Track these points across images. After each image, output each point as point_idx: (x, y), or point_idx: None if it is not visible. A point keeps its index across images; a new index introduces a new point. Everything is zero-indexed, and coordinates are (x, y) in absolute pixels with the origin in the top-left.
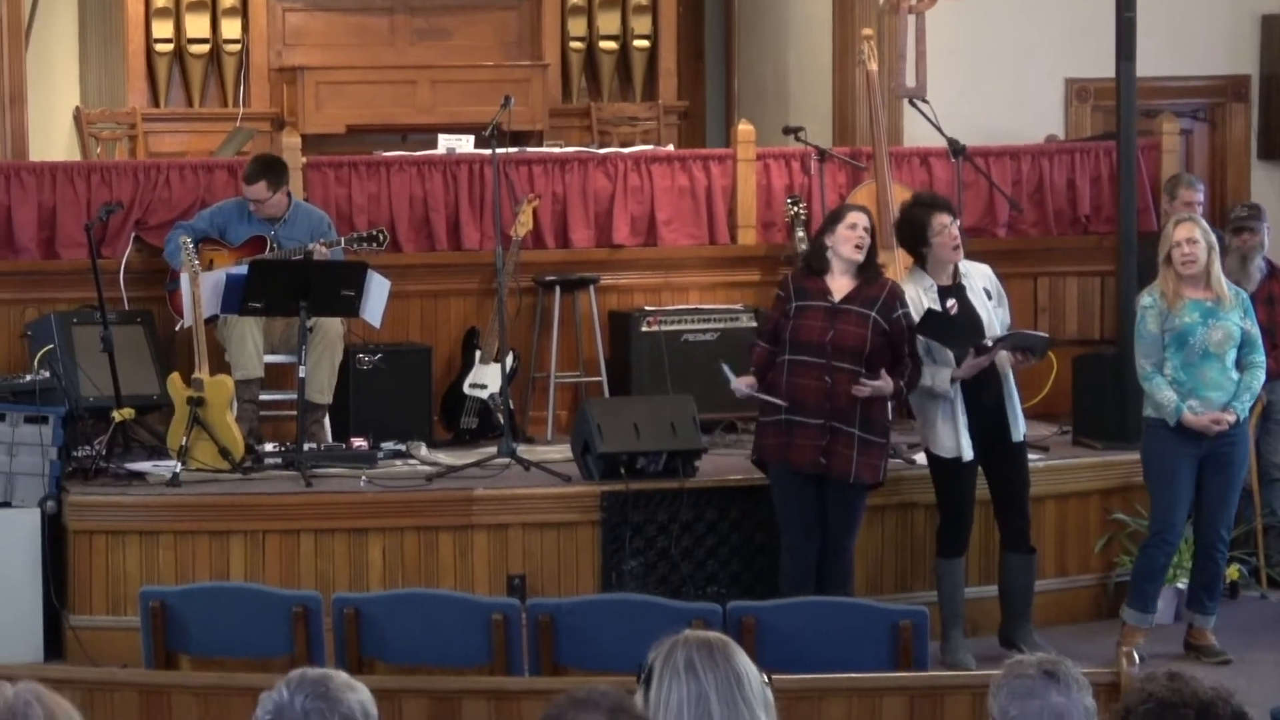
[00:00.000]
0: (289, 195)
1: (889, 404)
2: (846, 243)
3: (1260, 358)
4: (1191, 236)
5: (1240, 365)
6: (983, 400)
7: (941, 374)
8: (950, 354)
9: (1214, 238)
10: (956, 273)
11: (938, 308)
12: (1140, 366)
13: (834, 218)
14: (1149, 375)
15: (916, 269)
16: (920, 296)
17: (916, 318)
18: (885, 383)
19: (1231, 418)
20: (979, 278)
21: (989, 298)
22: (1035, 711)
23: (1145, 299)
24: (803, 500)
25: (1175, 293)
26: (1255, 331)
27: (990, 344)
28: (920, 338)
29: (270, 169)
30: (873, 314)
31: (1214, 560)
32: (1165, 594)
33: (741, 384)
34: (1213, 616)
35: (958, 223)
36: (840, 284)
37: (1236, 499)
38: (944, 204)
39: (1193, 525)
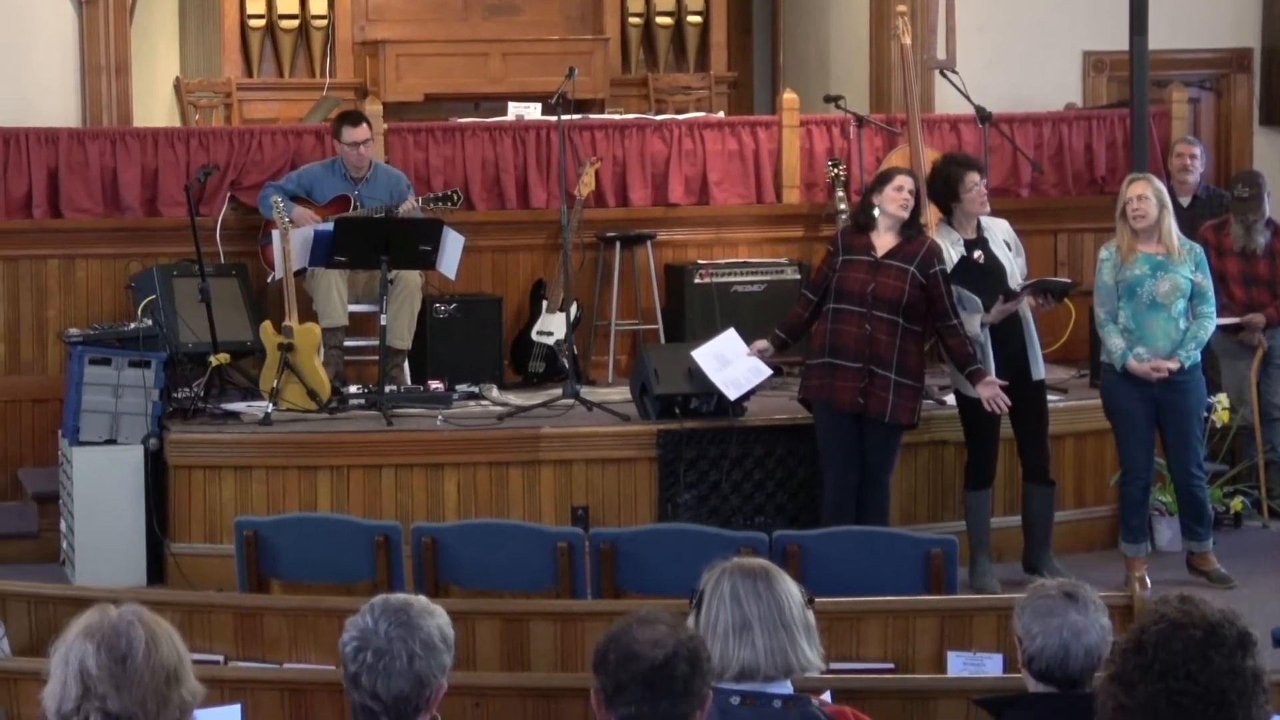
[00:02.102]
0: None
1: (923, 350)
2: (893, 202)
3: (1209, 309)
4: (1142, 193)
5: (1193, 316)
6: (1007, 345)
7: (972, 320)
8: (979, 301)
9: (1166, 195)
10: (979, 227)
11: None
12: (1096, 314)
13: (882, 178)
14: (1102, 323)
15: (944, 224)
16: (949, 249)
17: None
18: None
19: (1173, 365)
20: (999, 231)
21: (1009, 249)
22: (1055, 628)
23: (1103, 252)
24: (843, 437)
25: (1129, 246)
26: (1207, 284)
27: (1018, 290)
28: (964, 290)
29: (363, 115)
30: (911, 268)
31: (1192, 494)
32: (1173, 524)
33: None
34: (1207, 541)
35: (986, 181)
36: (884, 241)
37: (1198, 438)
38: (975, 163)
39: (1167, 466)
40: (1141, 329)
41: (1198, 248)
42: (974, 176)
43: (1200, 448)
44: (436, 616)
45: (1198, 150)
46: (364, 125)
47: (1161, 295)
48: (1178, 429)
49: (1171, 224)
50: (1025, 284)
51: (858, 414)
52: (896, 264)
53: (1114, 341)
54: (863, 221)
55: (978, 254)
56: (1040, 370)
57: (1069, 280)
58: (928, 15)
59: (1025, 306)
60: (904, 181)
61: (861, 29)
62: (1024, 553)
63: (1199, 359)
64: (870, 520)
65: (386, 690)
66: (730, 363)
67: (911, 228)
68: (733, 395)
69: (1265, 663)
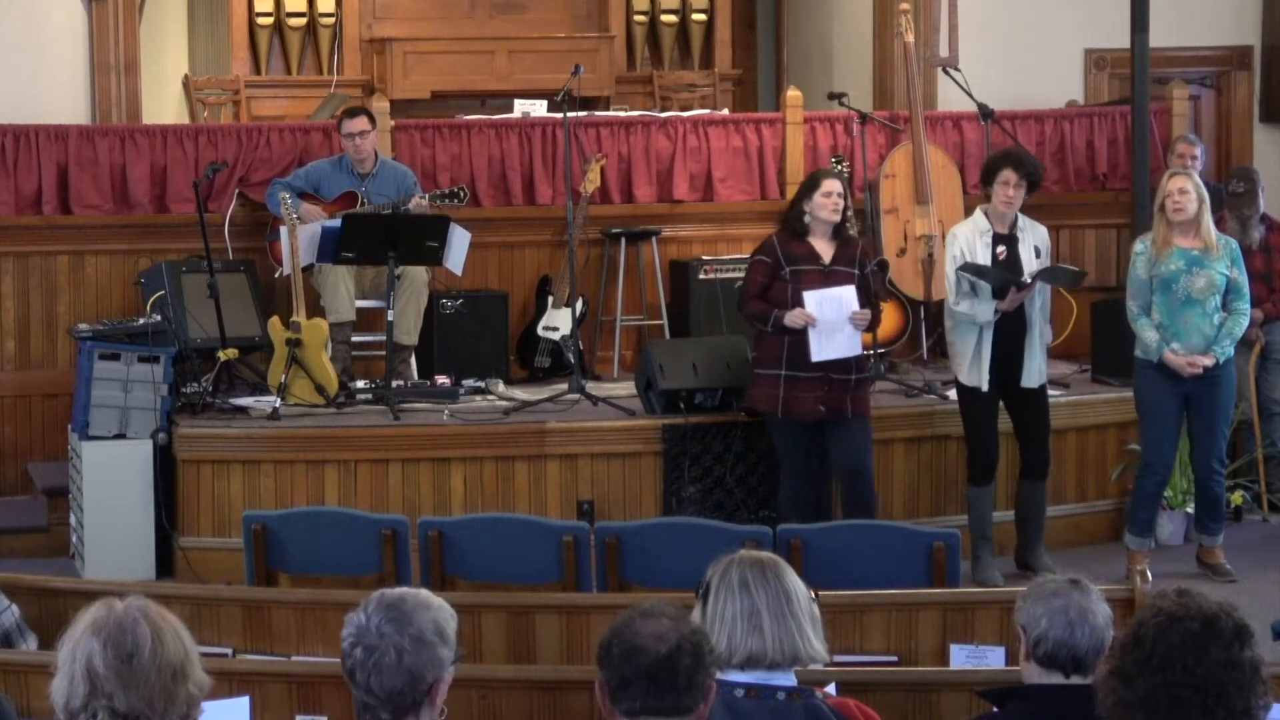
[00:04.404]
0: (376, 153)
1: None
2: (824, 209)
3: (1244, 305)
4: (1183, 187)
5: (1228, 312)
6: (1006, 347)
7: (985, 306)
8: (990, 290)
9: (1205, 191)
10: (1015, 225)
11: (989, 251)
12: (1129, 308)
13: (811, 185)
14: (1136, 316)
15: (979, 213)
16: (974, 239)
17: (964, 258)
18: (867, 317)
19: (1209, 361)
20: (1033, 236)
21: (1036, 255)
22: (1060, 609)
23: (1138, 245)
24: (801, 440)
25: (1164, 240)
26: (1242, 280)
27: (1029, 279)
28: (968, 275)
29: (364, 108)
30: (856, 271)
31: (1210, 488)
32: (1175, 518)
33: (798, 317)
34: (1218, 536)
35: (1023, 182)
36: (824, 247)
37: (1224, 433)
38: (1019, 162)
39: (1189, 458)
40: (1175, 325)
41: (1234, 243)
42: (1007, 173)
43: (1224, 443)
44: (433, 610)
45: (1199, 151)
46: (362, 117)
47: (1196, 291)
48: (1206, 422)
49: (1209, 219)
50: (1035, 272)
51: (819, 420)
52: (844, 269)
53: (1148, 335)
54: (796, 229)
55: (1001, 249)
56: (1032, 378)
57: (1079, 269)
58: (930, 13)
59: (1041, 320)
60: (832, 186)
61: (865, 26)
62: (1016, 549)
63: (1233, 354)
64: (860, 513)
65: (380, 686)
66: (836, 327)
67: (842, 231)
68: (817, 357)
69: (1263, 654)
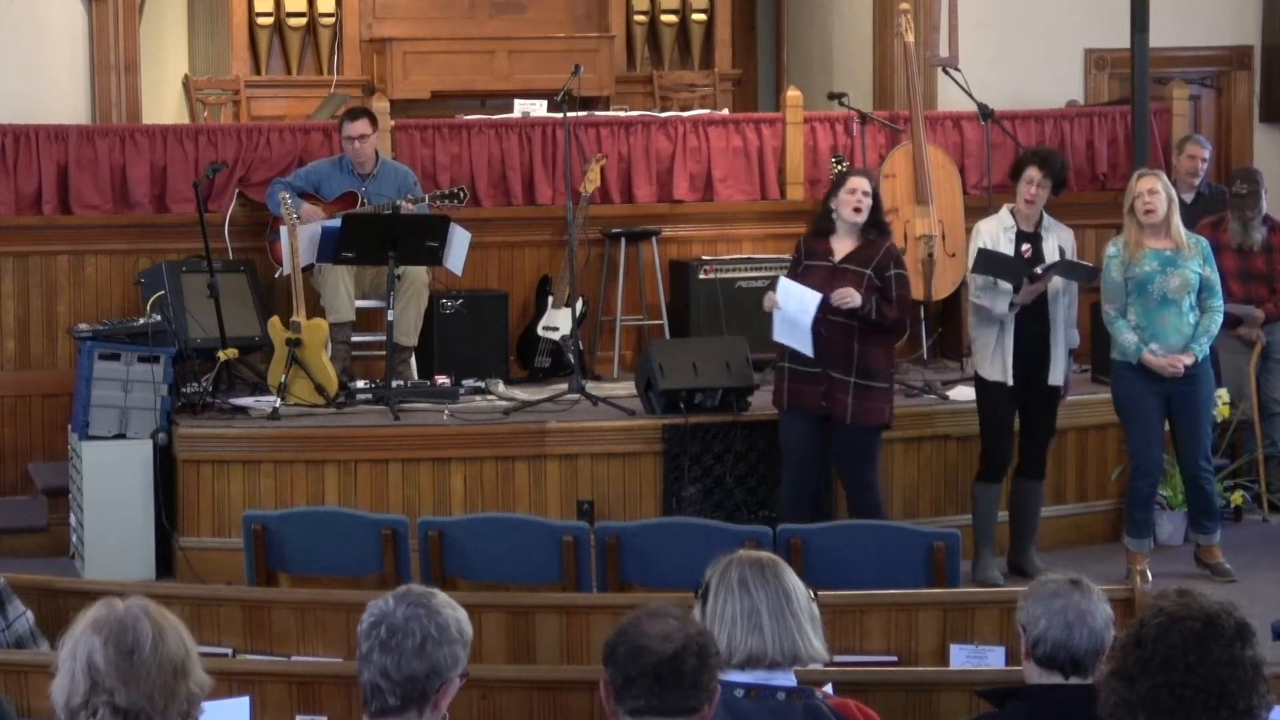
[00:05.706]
0: (377, 153)
1: (890, 351)
2: (846, 206)
3: (1218, 302)
4: (1153, 188)
5: (1202, 309)
6: (1031, 342)
7: (1001, 300)
8: (1009, 284)
9: (1174, 191)
10: (1039, 224)
11: (1012, 248)
12: (1105, 311)
13: (838, 183)
14: (1112, 319)
15: (1005, 210)
16: (998, 234)
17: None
18: (855, 298)
19: (1189, 360)
20: (1057, 235)
21: (1061, 255)
22: (1059, 610)
23: (1110, 249)
24: (803, 440)
25: (1136, 242)
26: (1215, 278)
27: (1041, 271)
28: (983, 271)
29: (366, 110)
30: (868, 272)
31: (1200, 487)
32: (1174, 518)
33: (766, 301)
34: (1214, 534)
35: (1043, 181)
36: (842, 245)
37: (1207, 431)
38: (1045, 161)
39: (1176, 459)
40: (1153, 326)
41: (1204, 241)
42: (1031, 171)
43: (1209, 441)
44: (457, 611)
45: (1208, 154)
46: (363, 120)
47: (1172, 291)
48: (1189, 421)
49: (1179, 219)
50: (1050, 264)
51: (825, 417)
52: (854, 268)
53: (1126, 337)
54: (822, 226)
55: (1025, 247)
56: (1057, 376)
57: (1092, 265)
58: (930, 13)
59: (1059, 313)
60: (857, 184)
61: (865, 26)
62: (1009, 550)
63: (1209, 352)
64: (864, 519)
65: (397, 668)
66: (793, 320)
67: (870, 230)
68: (775, 337)
69: (1264, 653)
